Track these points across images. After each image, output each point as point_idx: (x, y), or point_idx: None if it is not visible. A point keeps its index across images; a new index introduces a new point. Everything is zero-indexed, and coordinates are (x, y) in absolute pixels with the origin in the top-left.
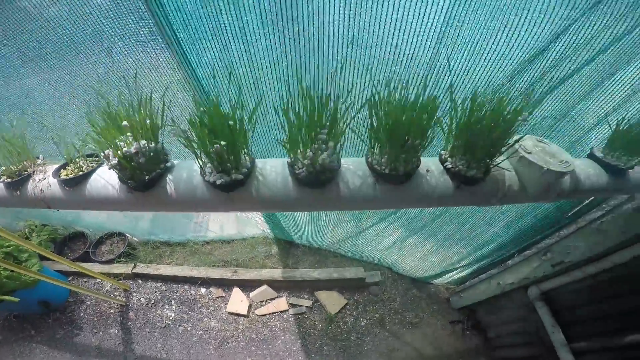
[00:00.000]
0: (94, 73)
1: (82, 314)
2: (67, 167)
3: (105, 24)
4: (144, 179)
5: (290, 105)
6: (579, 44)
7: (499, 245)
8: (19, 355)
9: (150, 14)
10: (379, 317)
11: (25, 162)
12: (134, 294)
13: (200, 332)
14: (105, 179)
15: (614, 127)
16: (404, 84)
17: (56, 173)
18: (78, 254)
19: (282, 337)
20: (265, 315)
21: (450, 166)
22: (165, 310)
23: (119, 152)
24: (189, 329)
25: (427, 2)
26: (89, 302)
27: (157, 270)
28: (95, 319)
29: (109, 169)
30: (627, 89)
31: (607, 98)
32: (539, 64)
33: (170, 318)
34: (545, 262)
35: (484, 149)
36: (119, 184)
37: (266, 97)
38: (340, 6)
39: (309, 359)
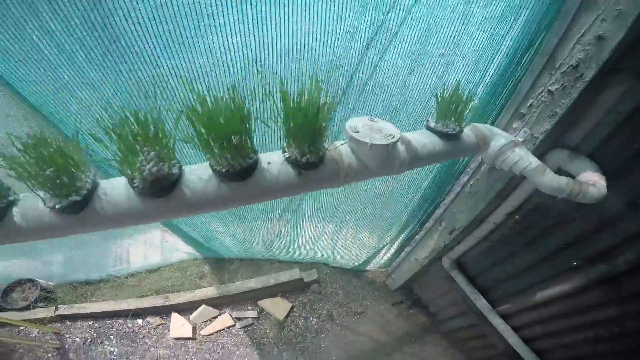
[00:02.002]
0: None
1: None
2: None
3: None
4: None
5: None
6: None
7: (404, 222)
8: None
9: None
10: (327, 313)
11: None
12: (67, 336)
13: None
14: None
15: (438, 97)
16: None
17: None
18: None
19: (237, 352)
20: (212, 334)
21: (288, 155)
22: (106, 346)
23: None
24: None
25: None
26: (21, 350)
27: (83, 309)
28: None
29: None
30: (440, 62)
31: (429, 73)
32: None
33: (114, 353)
34: (443, 232)
35: (307, 135)
36: None
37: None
38: None
39: None
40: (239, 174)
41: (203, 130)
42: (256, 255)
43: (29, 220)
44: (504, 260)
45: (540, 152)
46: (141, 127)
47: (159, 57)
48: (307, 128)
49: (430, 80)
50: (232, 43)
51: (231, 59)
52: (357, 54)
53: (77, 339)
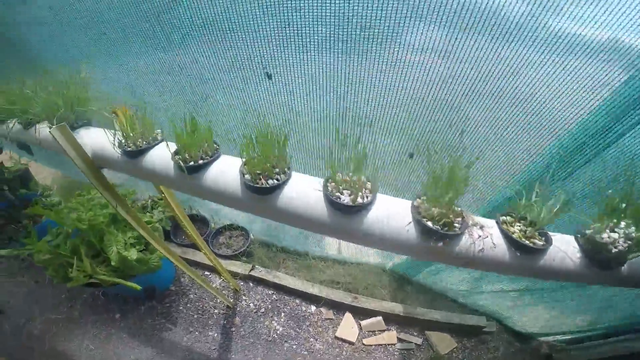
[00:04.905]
0: None
1: (181, 308)
2: None
3: None
4: None
5: None
6: None
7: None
8: (92, 337)
9: None
10: None
11: None
12: (244, 298)
13: (305, 352)
14: None
15: None
16: None
17: None
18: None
19: None
20: (371, 345)
21: None
22: (274, 322)
23: None
24: (294, 347)
25: None
26: (192, 296)
27: (276, 278)
28: (194, 316)
29: None
30: None
31: None
32: None
33: (278, 332)
34: None
35: None
36: None
37: None
38: None
39: None
40: None
41: None
42: (440, 288)
43: None
44: None
45: None
46: None
47: None
48: None
49: None
50: None
51: None
52: None
53: (251, 304)
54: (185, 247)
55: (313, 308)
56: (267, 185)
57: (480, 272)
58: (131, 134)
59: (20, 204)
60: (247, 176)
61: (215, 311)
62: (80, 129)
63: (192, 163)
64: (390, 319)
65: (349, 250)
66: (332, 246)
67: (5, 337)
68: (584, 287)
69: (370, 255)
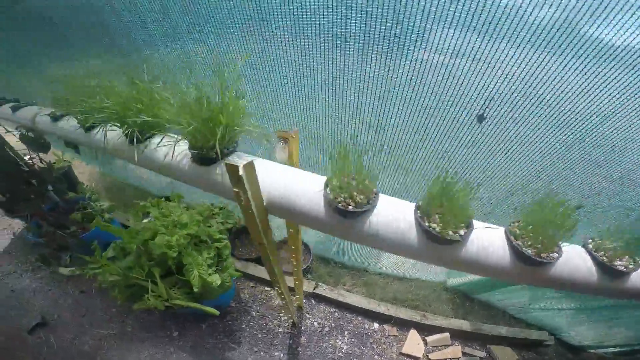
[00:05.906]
0: None
1: (243, 326)
2: None
3: None
4: None
5: None
6: None
7: None
8: (148, 357)
9: None
10: None
11: None
12: (307, 316)
13: None
14: None
15: None
16: None
17: None
18: (253, 252)
19: None
20: None
21: None
22: (338, 340)
23: None
24: None
25: None
26: (254, 314)
27: (341, 296)
28: (259, 335)
29: None
30: None
31: None
32: None
33: (343, 350)
34: None
35: None
36: None
37: None
38: None
39: None
40: None
41: None
42: (502, 305)
43: None
44: None
45: None
46: None
47: None
48: None
49: None
50: None
51: None
52: None
53: (315, 323)
54: (244, 261)
55: (376, 325)
56: (545, 260)
57: (541, 291)
58: (351, 185)
59: (66, 207)
60: (525, 248)
61: (280, 330)
62: (232, 158)
63: (450, 233)
64: (455, 334)
65: (409, 266)
66: (390, 261)
67: (53, 354)
68: None
69: (430, 273)
